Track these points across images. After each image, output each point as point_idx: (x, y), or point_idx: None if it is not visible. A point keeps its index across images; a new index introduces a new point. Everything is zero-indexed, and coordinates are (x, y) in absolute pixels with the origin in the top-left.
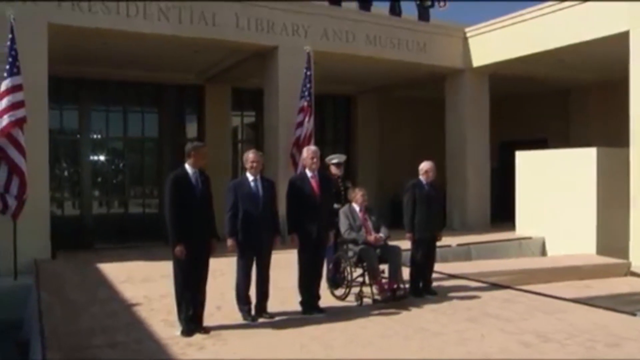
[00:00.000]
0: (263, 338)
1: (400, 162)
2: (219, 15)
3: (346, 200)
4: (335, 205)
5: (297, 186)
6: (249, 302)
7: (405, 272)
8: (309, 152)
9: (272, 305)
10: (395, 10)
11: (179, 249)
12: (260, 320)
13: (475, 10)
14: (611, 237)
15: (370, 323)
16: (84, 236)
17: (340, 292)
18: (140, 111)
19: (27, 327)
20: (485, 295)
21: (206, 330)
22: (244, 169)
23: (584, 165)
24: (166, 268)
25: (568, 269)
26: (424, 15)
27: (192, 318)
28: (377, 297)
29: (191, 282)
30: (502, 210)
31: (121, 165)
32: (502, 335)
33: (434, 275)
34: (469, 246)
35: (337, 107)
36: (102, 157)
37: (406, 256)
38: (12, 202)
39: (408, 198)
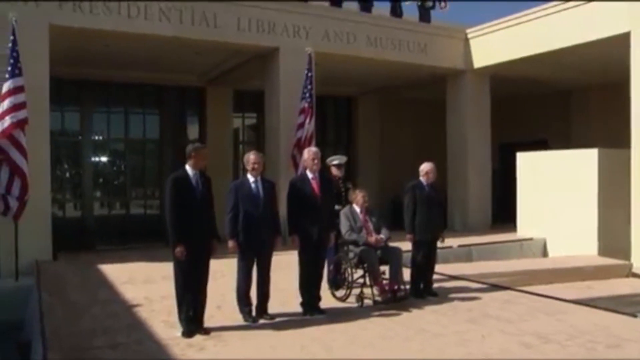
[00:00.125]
0: (263, 339)
1: (401, 163)
2: (220, 17)
3: (347, 202)
4: (336, 207)
5: (298, 187)
6: (249, 303)
7: (406, 274)
8: (309, 153)
9: (273, 307)
10: (396, 12)
11: (178, 250)
12: (261, 321)
13: (476, 12)
14: (612, 238)
15: (371, 324)
16: (85, 237)
17: (340, 293)
18: (141, 113)
19: (28, 328)
20: (486, 296)
21: (207, 331)
22: (244, 170)
23: (585, 166)
24: (167, 269)
25: (569, 270)
26: (425, 16)
27: (192, 319)
28: (377, 298)
29: (191, 283)
30: (503, 211)
31: (122, 166)
32: (503, 336)
33: (435, 276)
34: (470, 247)
35: (338, 108)
36: (103, 159)
37: (407, 257)
38: (13, 203)
39: (408, 199)
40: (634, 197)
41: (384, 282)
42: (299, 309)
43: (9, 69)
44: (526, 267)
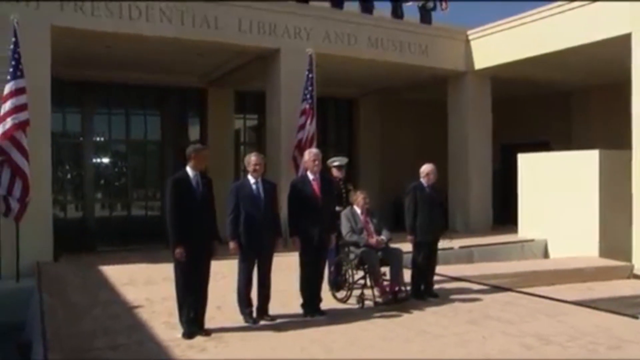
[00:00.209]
0: (264, 340)
1: (402, 165)
2: (221, 18)
3: (348, 203)
4: (337, 208)
5: (299, 189)
6: (250, 305)
7: (407, 275)
8: (310, 154)
9: (274, 308)
10: (397, 13)
11: (178, 251)
12: (262, 322)
13: (477, 13)
14: (614, 239)
15: (372, 325)
16: (87, 239)
17: (341, 294)
18: (142, 114)
19: (29, 329)
20: (487, 297)
21: (207, 333)
22: (245, 172)
23: (587, 167)
24: (168, 270)
25: (570, 272)
26: (425, 17)
27: (193, 320)
28: (378, 299)
29: (192, 284)
30: (504, 212)
31: (124, 167)
32: (504, 337)
33: (436, 277)
34: (470, 248)
35: (339, 110)
36: (104, 160)
37: (407, 258)
38: (14, 205)
39: (409, 201)
40: (635, 198)
41: (385, 283)
42: (300, 310)
43: (11, 70)
44: (527, 268)
